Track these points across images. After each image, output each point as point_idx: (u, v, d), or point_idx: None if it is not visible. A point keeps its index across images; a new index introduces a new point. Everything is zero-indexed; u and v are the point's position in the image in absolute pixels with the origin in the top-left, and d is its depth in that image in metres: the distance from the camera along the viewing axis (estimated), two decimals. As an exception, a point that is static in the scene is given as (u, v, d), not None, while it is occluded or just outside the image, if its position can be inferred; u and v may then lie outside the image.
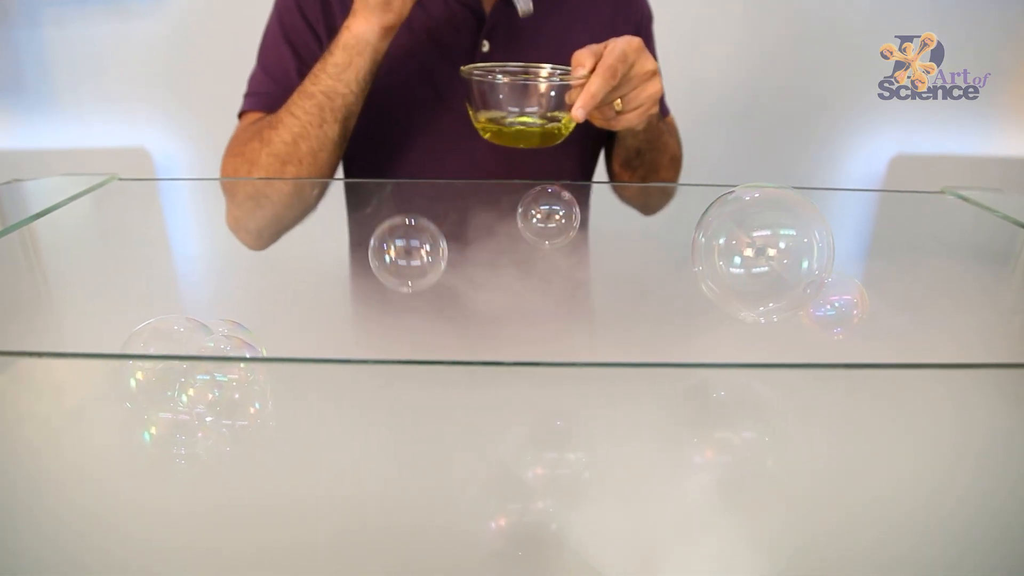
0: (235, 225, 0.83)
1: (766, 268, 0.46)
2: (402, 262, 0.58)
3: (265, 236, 0.82)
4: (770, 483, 0.47)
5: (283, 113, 0.82)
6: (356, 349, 0.63)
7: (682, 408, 0.49)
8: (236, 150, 0.86)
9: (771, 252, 0.46)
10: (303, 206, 0.86)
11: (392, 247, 0.58)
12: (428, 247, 0.59)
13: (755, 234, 0.46)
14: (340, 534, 0.42)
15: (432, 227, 0.60)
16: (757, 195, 0.48)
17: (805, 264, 0.45)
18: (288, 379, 0.48)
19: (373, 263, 0.59)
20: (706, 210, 0.49)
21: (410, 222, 0.59)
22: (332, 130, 0.81)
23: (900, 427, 0.49)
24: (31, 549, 0.41)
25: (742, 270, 0.46)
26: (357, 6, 0.77)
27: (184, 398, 0.43)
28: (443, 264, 0.59)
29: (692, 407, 0.49)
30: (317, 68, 0.80)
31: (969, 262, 0.72)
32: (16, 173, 0.81)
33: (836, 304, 0.51)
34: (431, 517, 0.44)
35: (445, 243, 0.59)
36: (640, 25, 0.99)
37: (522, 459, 0.45)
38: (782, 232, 0.47)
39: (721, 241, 0.47)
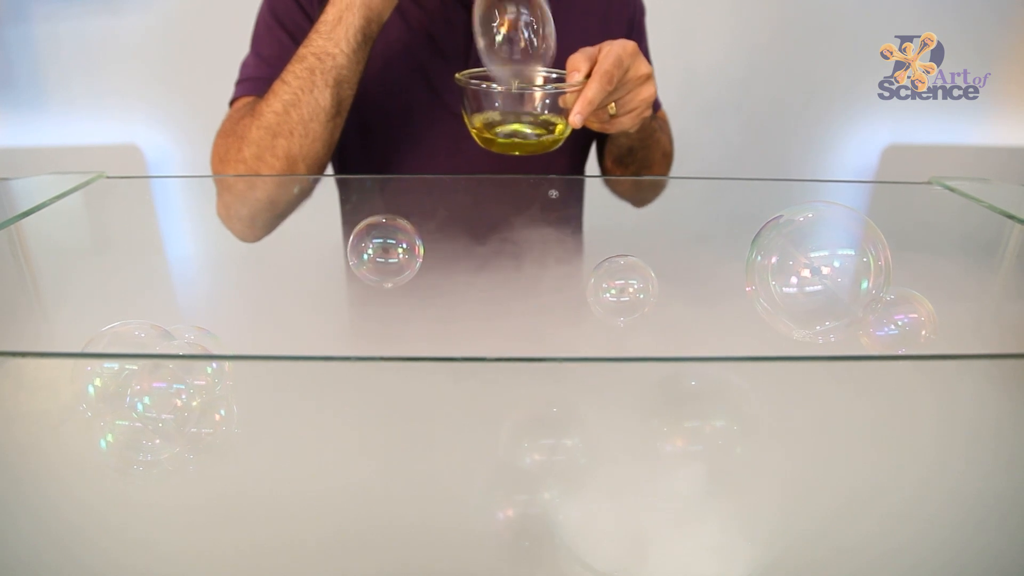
0: (226, 213, 0.80)
1: (821, 287, 0.46)
2: (380, 260, 0.59)
3: (259, 224, 0.79)
4: (760, 475, 0.47)
5: (276, 83, 0.79)
6: (346, 347, 0.63)
7: (672, 402, 0.49)
8: (228, 129, 0.84)
9: (826, 271, 0.46)
10: (298, 188, 0.84)
11: (370, 246, 0.59)
12: (405, 245, 0.60)
13: (813, 254, 0.46)
14: (332, 528, 0.43)
15: (408, 224, 0.61)
16: (811, 215, 0.48)
17: (864, 284, 0.46)
18: (278, 377, 0.47)
19: (352, 260, 0.59)
20: (760, 231, 0.49)
21: (385, 220, 0.60)
22: (323, 96, 0.78)
23: (888, 418, 0.49)
24: (20, 547, 0.41)
25: (796, 290, 0.46)
26: None
27: (166, 399, 0.42)
28: (419, 262, 0.60)
29: (684, 400, 0.48)
30: (310, 31, 0.78)
31: (953, 251, 0.73)
32: (6, 171, 0.80)
33: (900, 323, 0.50)
34: (423, 512, 0.44)
35: (420, 240, 0.60)
36: (633, 20, 0.99)
37: (512, 454, 0.45)
38: (839, 251, 0.47)
39: (775, 260, 0.47)
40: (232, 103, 0.90)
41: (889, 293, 0.49)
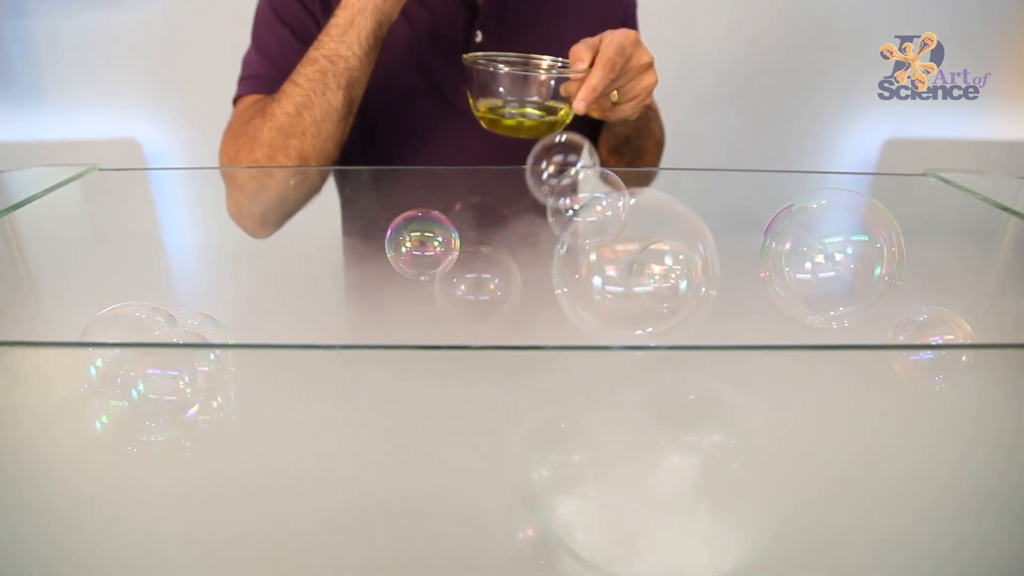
0: (237, 212, 0.80)
1: (834, 273, 0.46)
2: (417, 253, 0.59)
3: (270, 221, 0.80)
4: (761, 466, 0.47)
5: (286, 84, 0.79)
6: (343, 335, 0.63)
7: (667, 393, 0.48)
8: (237, 130, 0.84)
9: (839, 257, 0.46)
10: (308, 185, 0.84)
11: (409, 239, 0.59)
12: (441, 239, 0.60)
13: (826, 240, 0.47)
14: (326, 515, 0.43)
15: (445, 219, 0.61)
16: (824, 202, 0.49)
17: (878, 270, 0.46)
18: (274, 364, 0.47)
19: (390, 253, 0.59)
20: (774, 218, 0.49)
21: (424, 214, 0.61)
22: (336, 98, 0.78)
23: (885, 410, 0.49)
24: (21, 534, 0.41)
25: (810, 276, 0.47)
26: None
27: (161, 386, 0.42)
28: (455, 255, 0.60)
29: (677, 390, 0.48)
30: (321, 33, 0.78)
31: (947, 242, 0.74)
32: (5, 165, 0.80)
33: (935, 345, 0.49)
34: (416, 498, 0.44)
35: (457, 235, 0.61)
36: (627, 13, 1.00)
37: (506, 443, 0.45)
38: (853, 238, 0.47)
39: (789, 246, 0.47)
40: (236, 101, 0.90)
41: (922, 313, 0.49)
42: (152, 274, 0.72)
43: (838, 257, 0.46)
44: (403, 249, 0.59)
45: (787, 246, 0.47)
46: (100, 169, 0.78)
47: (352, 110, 0.81)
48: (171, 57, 1.66)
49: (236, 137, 0.83)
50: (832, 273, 0.46)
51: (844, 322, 0.47)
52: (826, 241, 0.47)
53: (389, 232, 0.59)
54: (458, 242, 0.60)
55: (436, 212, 0.61)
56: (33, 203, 0.68)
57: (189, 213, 0.87)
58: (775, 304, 0.48)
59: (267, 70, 0.88)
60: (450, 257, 0.60)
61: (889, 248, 0.46)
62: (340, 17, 0.77)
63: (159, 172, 1.27)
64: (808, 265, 0.46)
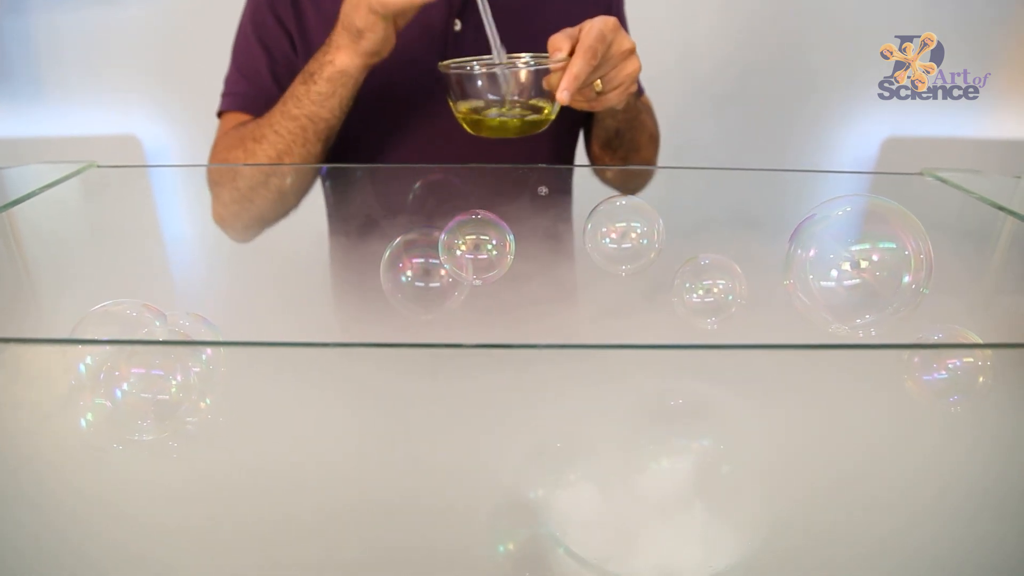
0: (222, 222, 0.84)
1: (859, 281, 0.46)
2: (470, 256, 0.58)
3: (251, 232, 0.84)
4: (748, 469, 0.47)
5: (266, 129, 0.83)
6: (335, 333, 0.63)
7: (661, 390, 0.48)
8: (221, 156, 0.89)
9: (864, 264, 0.45)
10: (285, 207, 0.88)
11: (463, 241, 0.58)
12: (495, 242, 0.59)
13: (854, 247, 0.46)
14: (321, 510, 0.44)
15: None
16: (849, 208, 0.48)
17: (906, 278, 0.45)
18: (267, 362, 0.47)
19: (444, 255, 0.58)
20: (799, 225, 0.49)
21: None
22: (315, 148, 0.83)
23: (882, 408, 0.49)
24: (16, 536, 0.41)
25: (835, 283, 0.46)
26: (340, 41, 0.77)
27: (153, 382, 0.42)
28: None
29: (671, 390, 0.48)
30: (300, 91, 0.81)
31: (943, 242, 0.73)
32: (6, 161, 0.80)
33: (950, 367, 0.48)
34: (408, 494, 0.44)
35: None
36: (611, 5, 0.99)
37: (499, 440, 0.45)
38: (880, 245, 0.46)
39: (812, 254, 0.47)
40: (219, 115, 0.93)
41: (937, 331, 0.48)
42: (149, 271, 0.72)
43: (863, 265, 0.45)
44: (458, 252, 0.58)
45: (812, 253, 0.47)
46: (98, 166, 0.78)
47: (328, 149, 0.85)
48: (172, 53, 1.66)
49: (221, 162, 0.88)
50: (857, 281, 0.45)
51: (871, 331, 0.47)
52: (852, 249, 0.46)
53: (443, 235, 0.58)
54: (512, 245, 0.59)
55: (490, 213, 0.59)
56: (31, 200, 0.68)
57: (187, 210, 0.87)
58: (799, 311, 0.48)
59: (244, 88, 0.91)
60: (505, 261, 0.58)
61: (916, 256, 0.45)
62: (322, 87, 0.79)
63: (157, 169, 1.27)
64: (834, 273, 0.46)
